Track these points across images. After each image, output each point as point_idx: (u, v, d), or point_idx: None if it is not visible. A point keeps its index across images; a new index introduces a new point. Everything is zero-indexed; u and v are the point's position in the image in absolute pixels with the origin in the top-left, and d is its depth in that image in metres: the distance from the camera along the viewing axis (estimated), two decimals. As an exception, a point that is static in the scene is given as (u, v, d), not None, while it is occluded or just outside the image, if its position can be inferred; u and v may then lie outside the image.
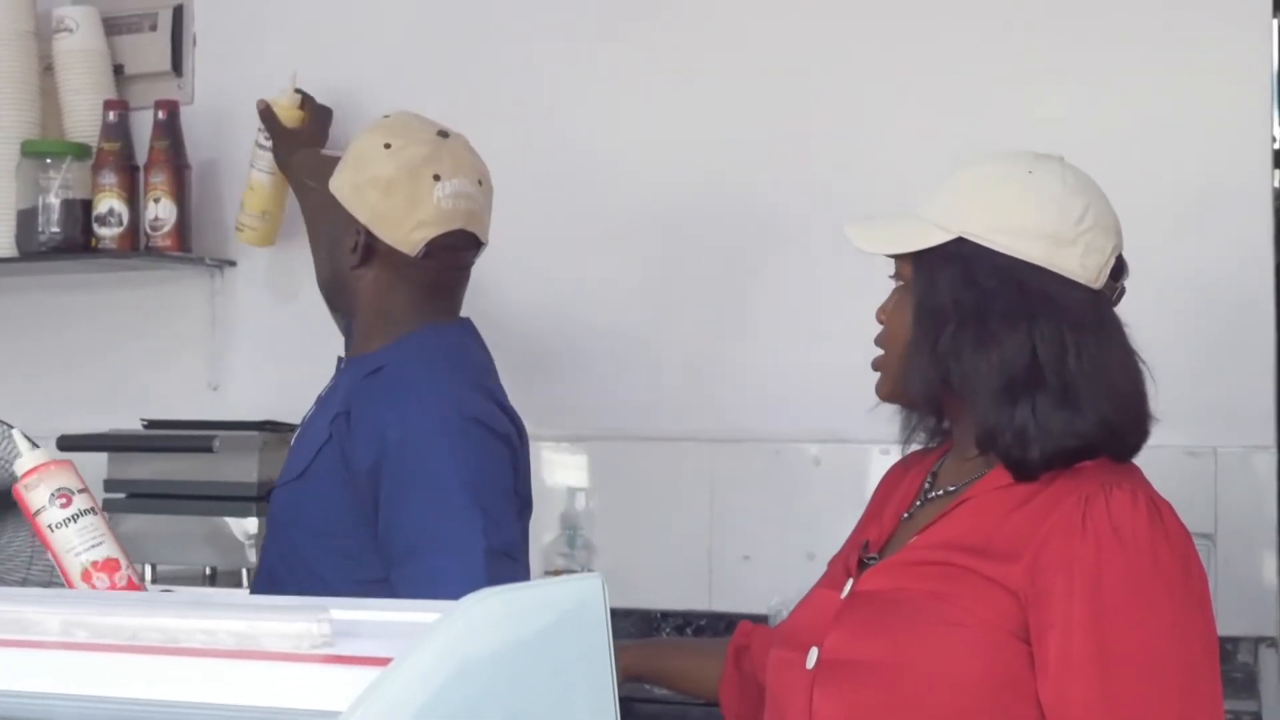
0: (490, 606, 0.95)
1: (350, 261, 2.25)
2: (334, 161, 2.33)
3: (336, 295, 2.35)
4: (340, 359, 2.36)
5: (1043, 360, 1.68)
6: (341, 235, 2.26)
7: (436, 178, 2.22)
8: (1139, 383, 1.73)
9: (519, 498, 2.23)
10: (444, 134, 2.27)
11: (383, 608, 1.10)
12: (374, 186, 2.22)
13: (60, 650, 1.02)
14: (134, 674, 0.99)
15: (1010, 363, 1.68)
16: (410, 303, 2.26)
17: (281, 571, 2.24)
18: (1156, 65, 2.82)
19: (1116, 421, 1.70)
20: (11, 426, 1.98)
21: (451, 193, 2.22)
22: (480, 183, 2.27)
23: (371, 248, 2.24)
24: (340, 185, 2.27)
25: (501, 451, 2.19)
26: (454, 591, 2.10)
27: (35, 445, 1.73)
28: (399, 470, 2.12)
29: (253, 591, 2.37)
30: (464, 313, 2.34)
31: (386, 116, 2.31)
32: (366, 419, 2.17)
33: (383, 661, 0.91)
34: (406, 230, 2.22)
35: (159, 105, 3.34)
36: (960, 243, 1.72)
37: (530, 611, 0.98)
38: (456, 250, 2.27)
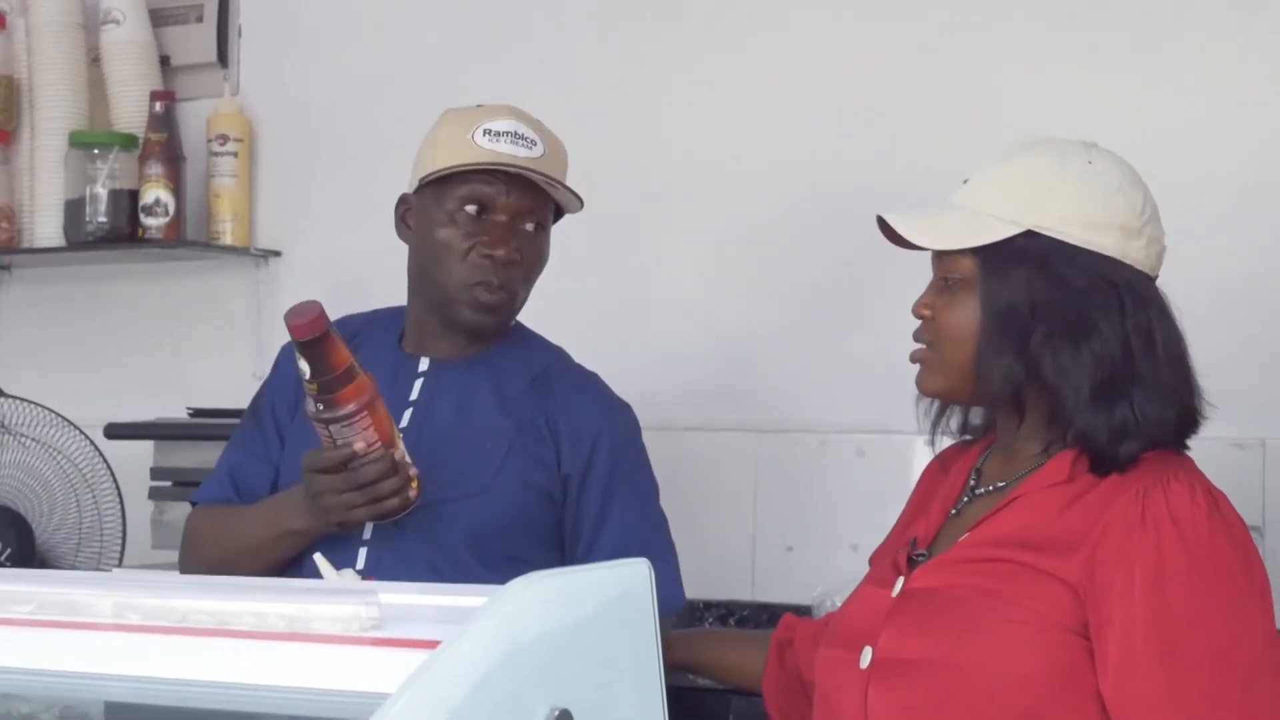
0: (538, 591, 0.95)
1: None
2: None
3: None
4: (431, 361, 2.22)
5: (1136, 353, 1.66)
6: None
7: None
8: (1192, 369, 1.73)
9: None
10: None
11: (430, 591, 1.11)
12: None
13: (113, 632, 1.03)
14: (185, 655, 1.00)
15: (1110, 358, 1.66)
16: None
17: None
18: (1197, 59, 2.79)
19: (1194, 409, 1.70)
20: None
21: None
22: None
23: None
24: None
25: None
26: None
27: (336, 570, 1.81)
28: (608, 483, 2.16)
29: None
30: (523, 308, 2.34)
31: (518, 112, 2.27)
32: (566, 428, 2.17)
33: (431, 644, 0.91)
34: None
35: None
36: (1029, 236, 1.68)
37: (578, 596, 0.98)
38: None
